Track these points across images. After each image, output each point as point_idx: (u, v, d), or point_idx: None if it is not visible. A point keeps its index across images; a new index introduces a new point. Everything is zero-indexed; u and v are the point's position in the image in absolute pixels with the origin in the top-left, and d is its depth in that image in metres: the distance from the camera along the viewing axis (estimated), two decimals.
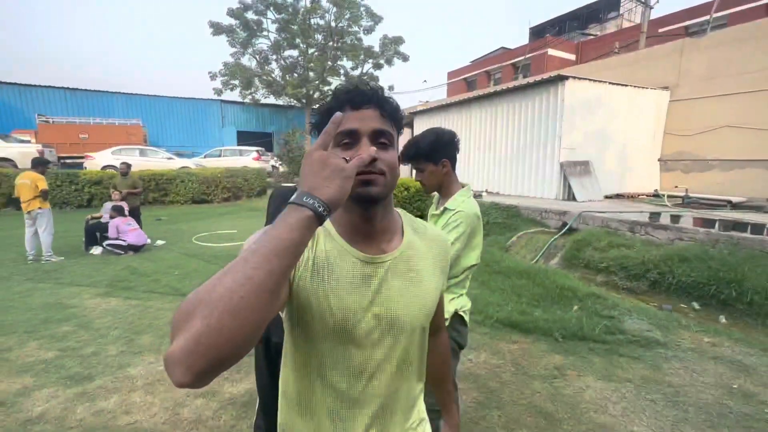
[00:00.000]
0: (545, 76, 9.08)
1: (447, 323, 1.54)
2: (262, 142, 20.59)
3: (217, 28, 18.82)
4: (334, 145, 0.68)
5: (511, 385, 2.59)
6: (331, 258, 0.70)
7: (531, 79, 9.36)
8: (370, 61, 21.22)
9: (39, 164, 5.79)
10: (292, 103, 21.51)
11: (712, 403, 2.37)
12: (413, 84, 63.00)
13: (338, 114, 0.59)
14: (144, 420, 2.20)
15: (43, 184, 5.57)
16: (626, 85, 9.36)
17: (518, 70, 20.35)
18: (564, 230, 5.97)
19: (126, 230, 6.11)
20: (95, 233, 6.39)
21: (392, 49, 20.94)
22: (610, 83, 9.15)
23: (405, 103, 21.61)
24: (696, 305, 3.82)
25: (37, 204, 5.58)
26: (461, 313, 1.62)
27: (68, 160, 15.26)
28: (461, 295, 1.65)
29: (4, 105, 17.86)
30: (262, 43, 20.35)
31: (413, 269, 0.75)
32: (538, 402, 2.41)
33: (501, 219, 7.11)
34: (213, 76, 19.67)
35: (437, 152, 1.55)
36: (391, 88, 22.29)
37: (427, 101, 20.10)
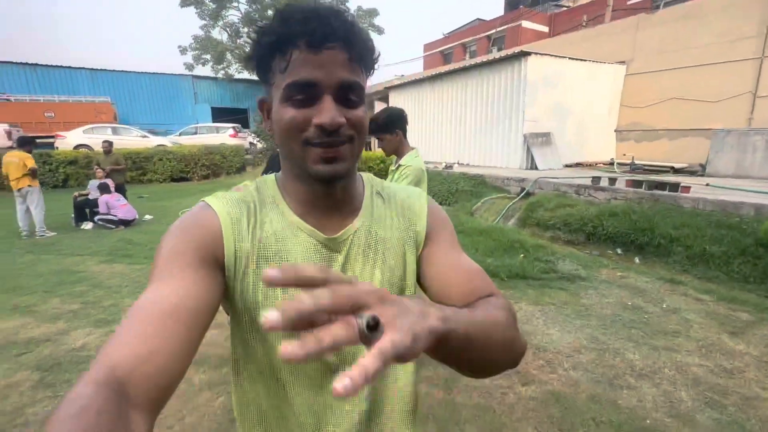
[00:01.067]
0: (509, 52, 9.60)
1: None
2: (237, 119, 20.38)
3: (186, 0, 18.18)
4: (281, 100, 0.53)
5: None
6: (281, 241, 0.57)
7: (497, 55, 9.87)
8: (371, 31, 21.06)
9: (26, 143, 5.97)
10: None
11: (609, 315, 3.13)
12: (389, 57, 62.17)
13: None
14: None
15: (31, 163, 5.79)
16: (585, 60, 10.02)
17: (492, 43, 20.70)
18: (521, 195, 6.70)
19: (116, 205, 6.43)
20: (84, 209, 6.68)
21: (367, 21, 20.78)
22: (570, 58, 9.78)
23: (380, 77, 21.69)
24: (619, 251, 4.63)
25: (27, 182, 5.80)
26: None
27: (36, 140, 14.89)
28: None
29: None
30: (233, 15, 19.81)
31: (379, 243, 0.61)
32: None
33: (468, 187, 7.78)
34: (183, 51, 19.13)
35: (391, 124, 2.11)
36: None
37: (402, 75, 20.30)
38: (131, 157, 11.92)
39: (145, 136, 14.31)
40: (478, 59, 10.48)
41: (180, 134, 16.25)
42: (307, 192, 0.59)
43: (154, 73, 21.06)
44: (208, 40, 19.06)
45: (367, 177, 0.69)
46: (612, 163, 10.20)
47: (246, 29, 20.13)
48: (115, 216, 6.40)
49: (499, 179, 7.64)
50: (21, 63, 18.23)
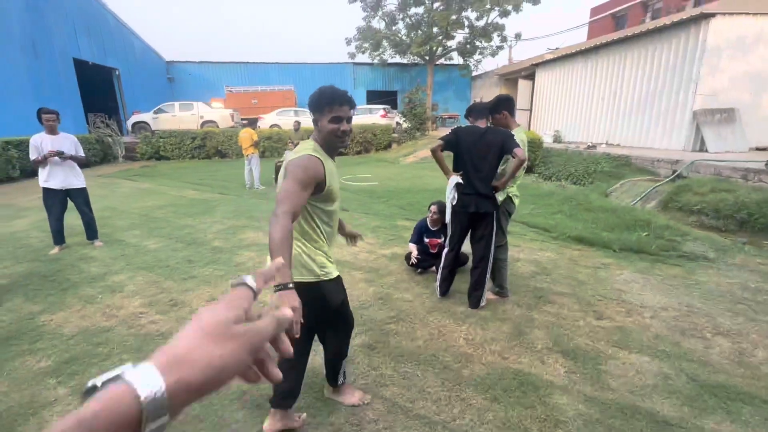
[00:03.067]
0: (684, 16, 8.22)
1: (501, 201, 2.91)
2: (387, 100, 22.58)
3: None
4: (328, 121, 1.58)
5: (561, 269, 3.79)
6: (328, 165, 1.59)
7: (666, 20, 8.51)
8: (497, 9, 20.58)
9: (251, 123, 8.61)
10: (416, 61, 22.66)
11: (721, 290, 3.18)
12: (544, 28, 56.24)
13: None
14: None
15: (255, 137, 8.39)
16: None
17: None
18: (670, 177, 6.17)
19: None
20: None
21: None
22: None
23: (533, 51, 20.40)
24: None
25: (252, 150, 8.44)
26: (511, 195, 2.97)
27: (244, 121, 19.90)
28: (514, 186, 2.98)
29: (204, 79, 23.67)
30: (391, 4, 21.64)
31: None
32: (577, 276, 3.59)
33: (609, 168, 7.45)
34: (348, 42, 22.04)
35: (498, 106, 2.91)
36: (518, 36, 21.41)
37: (557, 48, 18.82)
38: (310, 134, 14.97)
39: None
40: (643, 27, 9.19)
41: None
42: (329, 150, 1.67)
43: (323, 63, 24.96)
44: (369, 29, 21.41)
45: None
46: None
47: (401, 15, 21.80)
48: None
49: (647, 161, 7.07)
50: (236, 62, 24.18)
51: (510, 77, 21.03)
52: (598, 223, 4.90)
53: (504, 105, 2.90)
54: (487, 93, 23.46)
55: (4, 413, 1.97)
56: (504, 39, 21.72)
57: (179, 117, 16.58)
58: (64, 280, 3.63)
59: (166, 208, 6.73)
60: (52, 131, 4.16)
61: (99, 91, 17.82)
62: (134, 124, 16.68)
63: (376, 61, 22.70)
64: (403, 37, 21.83)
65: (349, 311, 1.89)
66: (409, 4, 21.06)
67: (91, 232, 4.67)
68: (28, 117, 13.18)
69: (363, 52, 22.12)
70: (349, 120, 1.59)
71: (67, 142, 4.25)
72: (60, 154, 4.11)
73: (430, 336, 2.62)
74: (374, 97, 24.41)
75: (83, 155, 4.42)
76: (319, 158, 1.52)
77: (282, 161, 9.76)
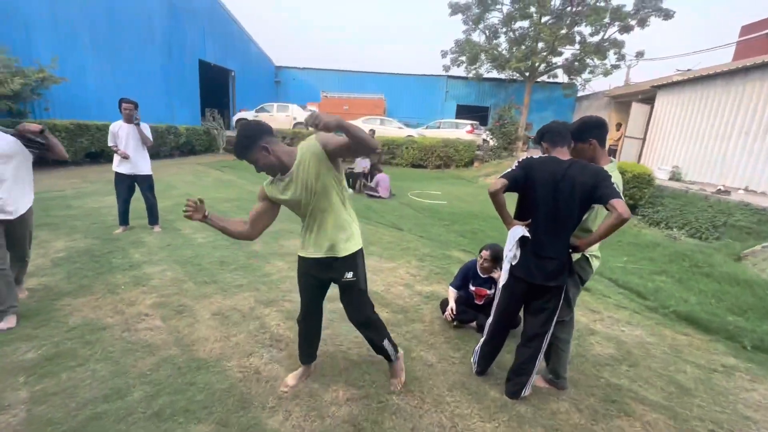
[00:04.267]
0: None
1: (575, 260, 2.10)
2: (478, 116, 21.58)
3: (455, 8, 20.33)
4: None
5: (656, 358, 2.75)
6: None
7: None
8: (616, 24, 18.31)
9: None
10: (514, 77, 21.29)
11: None
12: (673, 47, 49.06)
13: None
14: None
15: None
16: None
17: None
18: None
19: (385, 186, 8.42)
20: (348, 179, 9.07)
21: (651, 4, 17.34)
22: None
23: (653, 72, 17.68)
24: None
25: None
26: (589, 256, 2.14)
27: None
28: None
29: (304, 84, 25.37)
30: (494, 17, 20.71)
31: None
32: (679, 377, 2.54)
33: (746, 222, 5.73)
34: (444, 54, 21.63)
35: (585, 132, 2.10)
36: (639, 54, 18.89)
37: (689, 69, 15.96)
38: (387, 143, 14.85)
39: (400, 128, 17.42)
40: None
41: (426, 127, 18.78)
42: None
43: (416, 74, 24.93)
44: (467, 43, 20.74)
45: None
46: None
47: (504, 29, 20.71)
48: (377, 192, 8.40)
49: None
50: (335, 69, 25.43)
51: (623, 100, 18.50)
52: (723, 299, 3.61)
53: (593, 131, 2.09)
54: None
55: None
56: (621, 57, 19.25)
57: (276, 117, 17.85)
58: (106, 263, 3.75)
59: (233, 201, 6.97)
60: (129, 120, 4.43)
61: (216, 88, 20.12)
62: (237, 120, 18.42)
63: (471, 75, 21.90)
64: (503, 52, 20.70)
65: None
66: (514, 17, 19.92)
67: (153, 217, 4.88)
68: (158, 108, 15.27)
69: (458, 65, 21.51)
70: None
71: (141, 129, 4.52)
72: (126, 157, 4.45)
73: (440, 428, 1.96)
74: (464, 111, 23.59)
75: (149, 137, 4.61)
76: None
77: (353, 168, 9.71)
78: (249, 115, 18.19)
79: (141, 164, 4.59)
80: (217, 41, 18.45)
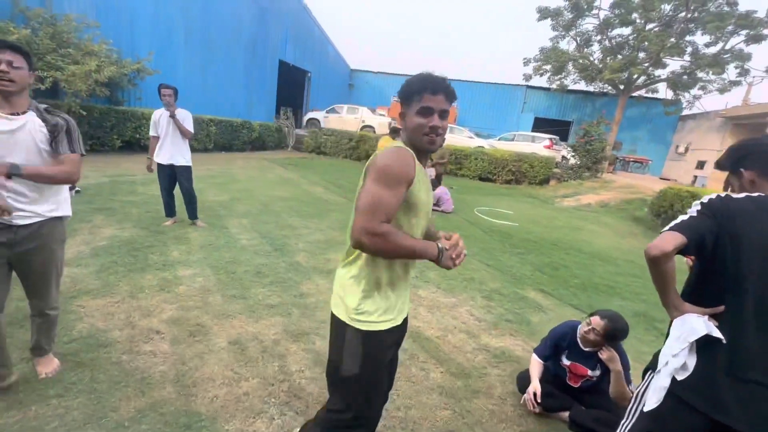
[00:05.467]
0: None
1: None
2: (558, 131, 19.72)
3: (544, 13, 18.82)
4: (415, 113, 1.16)
5: None
6: (420, 173, 1.17)
7: None
8: (742, 32, 15.51)
9: (393, 132, 8.07)
10: (605, 90, 19.13)
11: None
12: None
13: None
14: None
15: None
16: None
17: None
18: None
19: (446, 199, 7.69)
20: None
21: None
22: None
23: None
24: None
25: None
26: None
27: (400, 131, 20.23)
28: None
29: (375, 88, 25.36)
30: (588, 23, 18.81)
31: None
32: None
33: None
34: (527, 62, 20.15)
35: (735, 162, 1.27)
36: None
37: None
38: (455, 153, 13.97)
39: (471, 137, 16.39)
40: None
41: (499, 139, 17.51)
42: (418, 152, 1.21)
43: (492, 82, 23.60)
44: (554, 51, 19.07)
45: None
46: None
47: (599, 37, 18.69)
48: (439, 207, 7.67)
49: None
50: (409, 74, 24.95)
51: (743, 122, 15.60)
52: None
53: (745, 159, 1.23)
54: (700, 139, 18.10)
55: None
56: (744, 72, 16.27)
57: (345, 118, 17.85)
58: (143, 259, 3.48)
59: (288, 201, 6.68)
60: (169, 106, 4.15)
61: (292, 88, 20.77)
62: (308, 120, 18.77)
63: (554, 86, 20.13)
64: (595, 61, 18.68)
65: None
66: (612, 24, 17.87)
67: (192, 210, 4.60)
68: (238, 103, 16.06)
69: (541, 75, 19.87)
70: (443, 114, 1.17)
71: (181, 116, 4.22)
72: (149, 168, 4.37)
73: None
74: (543, 125, 21.74)
75: (189, 129, 4.28)
76: (410, 151, 1.15)
77: None
78: (319, 115, 18.44)
79: (177, 155, 4.31)
80: (297, 43, 19.01)
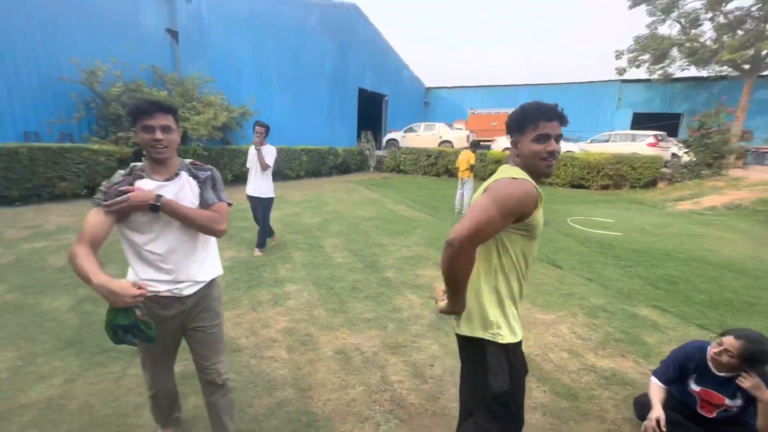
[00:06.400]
0: None
1: None
2: (664, 125, 17.41)
3: None
4: (531, 140, 1.24)
5: None
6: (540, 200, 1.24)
7: None
8: None
9: (474, 145, 8.03)
10: (723, 73, 16.44)
11: None
12: None
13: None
14: None
15: (473, 161, 7.75)
16: None
17: None
18: None
19: None
20: None
21: None
22: None
23: None
24: None
25: (467, 174, 7.84)
26: None
27: (482, 143, 19.81)
28: None
29: (451, 102, 25.38)
30: (694, 1, 16.52)
31: None
32: None
33: None
34: (618, 55, 18.36)
35: None
36: None
37: None
38: None
39: None
40: None
41: (591, 141, 16.07)
42: (535, 178, 1.26)
43: (579, 82, 21.88)
44: (652, 38, 17.10)
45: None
46: None
47: (710, 14, 16.24)
48: None
49: None
50: (484, 85, 24.58)
51: None
52: None
53: None
54: None
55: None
56: None
57: (423, 136, 18.17)
58: (258, 277, 4.01)
59: (374, 220, 7.03)
60: (260, 143, 4.54)
61: (370, 112, 21.89)
62: (388, 141, 19.51)
63: (655, 76, 17.94)
64: (708, 42, 16.24)
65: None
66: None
67: (259, 240, 4.85)
68: (323, 132, 17.51)
69: (638, 66, 17.89)
70: (558, 139, 1.27)
71: (265, 151, 4.59)
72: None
73: None
74: (644, 120, 19.41)
75: (266, 162, 4.59)
76: (532, 183, 1.22)
77: None
78: (398, 135, 19.04)
79: (259, 188, 4.74)
80: (374, 70, 20.08)
